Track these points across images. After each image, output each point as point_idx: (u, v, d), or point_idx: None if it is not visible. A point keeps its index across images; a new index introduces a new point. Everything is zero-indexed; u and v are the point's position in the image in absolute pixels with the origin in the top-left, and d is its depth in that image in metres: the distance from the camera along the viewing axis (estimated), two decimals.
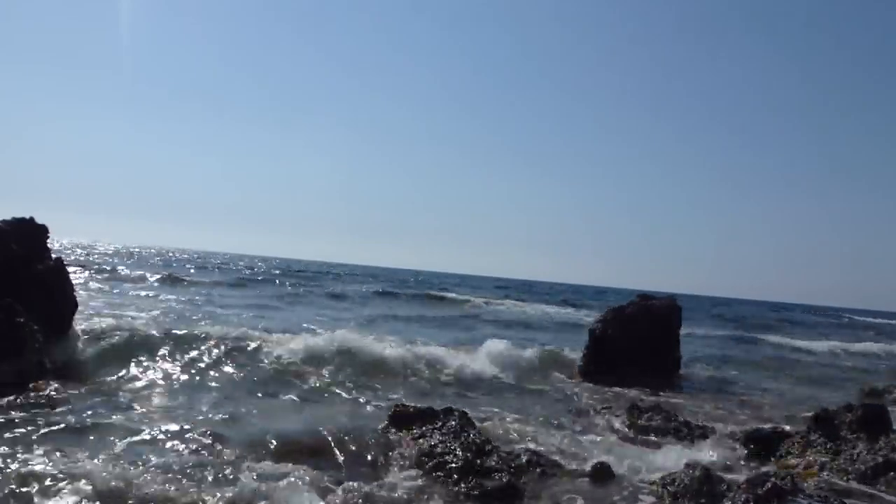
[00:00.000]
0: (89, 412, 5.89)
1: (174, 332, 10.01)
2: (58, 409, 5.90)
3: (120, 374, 7.73)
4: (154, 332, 9.85)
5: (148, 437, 5.24)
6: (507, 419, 7.05)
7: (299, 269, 56.73)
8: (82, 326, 9.52)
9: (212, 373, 8.32)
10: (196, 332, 10.10)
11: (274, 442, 5.32)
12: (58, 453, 4.62)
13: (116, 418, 5.73)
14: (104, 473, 4.24)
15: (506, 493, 4.49)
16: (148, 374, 7.95)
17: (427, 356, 9.98)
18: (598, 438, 6.51)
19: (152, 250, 79.45)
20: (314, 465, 4.84)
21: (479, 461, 4.82)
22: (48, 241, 8.94)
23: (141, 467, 4.47)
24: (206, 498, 4.08)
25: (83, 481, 4.13)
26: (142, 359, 8.66)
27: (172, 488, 4.16)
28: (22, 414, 5.62)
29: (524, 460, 5.15)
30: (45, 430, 5.18)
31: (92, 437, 5.12)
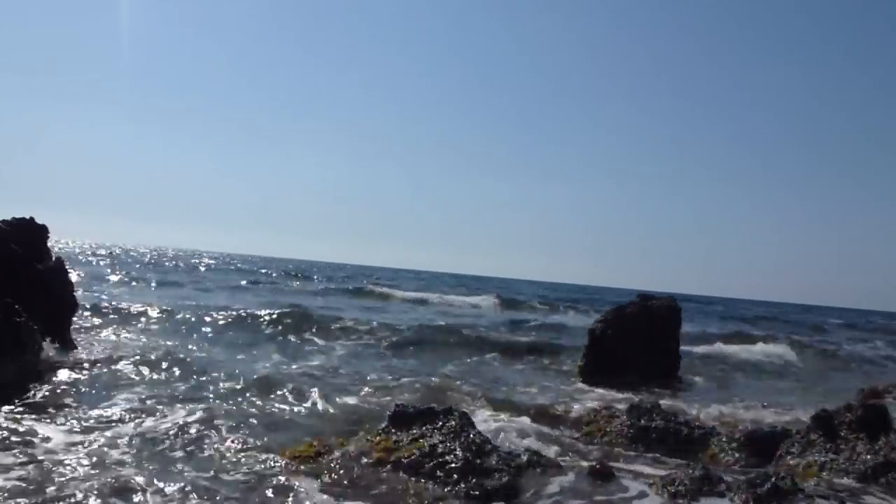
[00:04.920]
0: (88, 412, 5.88)
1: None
2: (55, 411, 5.89)
3: (119, 374, 7.72)
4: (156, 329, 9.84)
5: (149, 436, 5.25)
6: (508, 419, 7.06)
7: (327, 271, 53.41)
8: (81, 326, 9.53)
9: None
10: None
11: (272, 444, 5.32)
12: (58, 453, 4.62)
13: (115, 418, 5.73)
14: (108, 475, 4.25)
15: (506, 493, 4.49)
16: (147, 373, 7.94)
17: None
18: (598, 438, 6.52)
19: (152, 251, 79.39)
20: (315, 466, 4.86)
21: (479, 461, 4.82)
22: (48, 241, 8.95)
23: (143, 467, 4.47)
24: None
25: (85, 484, 4.13)
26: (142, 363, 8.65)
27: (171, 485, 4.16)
28: (21, 415, 5.61)
29: (524, 460, 5.15)
30: (45, 430, 5.18)
31: (92, 438, 5.11)
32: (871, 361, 18.13)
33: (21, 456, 4.51)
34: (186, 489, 4.19)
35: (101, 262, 37.05)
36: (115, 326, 11.65)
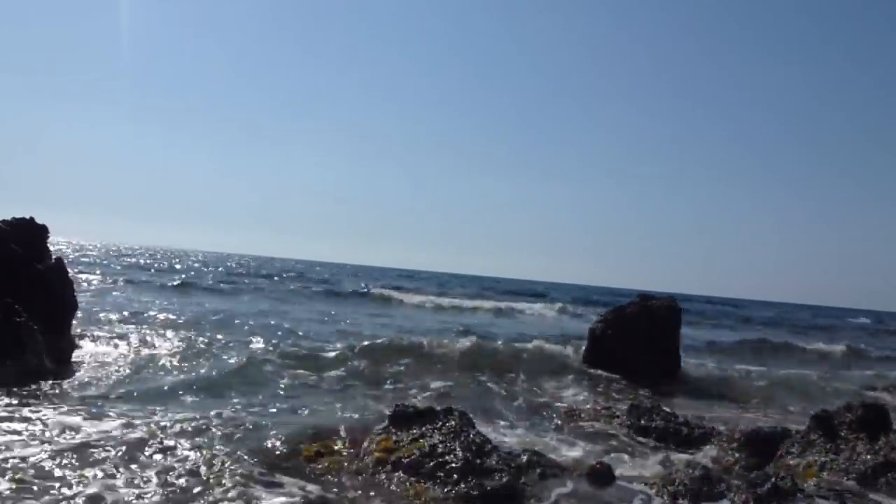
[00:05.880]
0: (88, 413, 5.88)
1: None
2: (56, 411, 5.89)
3: (120, 374, 7.72)
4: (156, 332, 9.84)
5: (147, 436, 5.25)
6: (507, 418, 7.06)
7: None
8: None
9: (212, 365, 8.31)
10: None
11: (274, 444, 5.32)
12: (58, 455, 4.62)
13: (115, 420, 5.73)
14: (106, 479, 4.25)
15: (506, 493, 4.49)
16: (147, 374, 7.94)
17: None
18: (599, 438, 6.52)
19: (156, 251, 79.41)
20: (316, 466, 4.86)
21: (479, 461, 4.82)
22: (48, 241, 8.95)
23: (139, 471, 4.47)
24: None
25: (81, 487, 4.13)
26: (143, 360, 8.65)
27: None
28: (21, 415, 5.61)
29: (524, 460, 5.15)
30: (44, 432, 5.18)
31: (92, 439, 5.11)
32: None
33: (21, 457, 4.51)
34: (186, 490, 4.19)
35: (93, 261, 37.08)
36: (115, 327, 11.65)
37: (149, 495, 4.05)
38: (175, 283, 24.75)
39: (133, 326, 11.75)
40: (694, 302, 52.00)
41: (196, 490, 4.19)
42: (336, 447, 5.33)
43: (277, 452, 5.09)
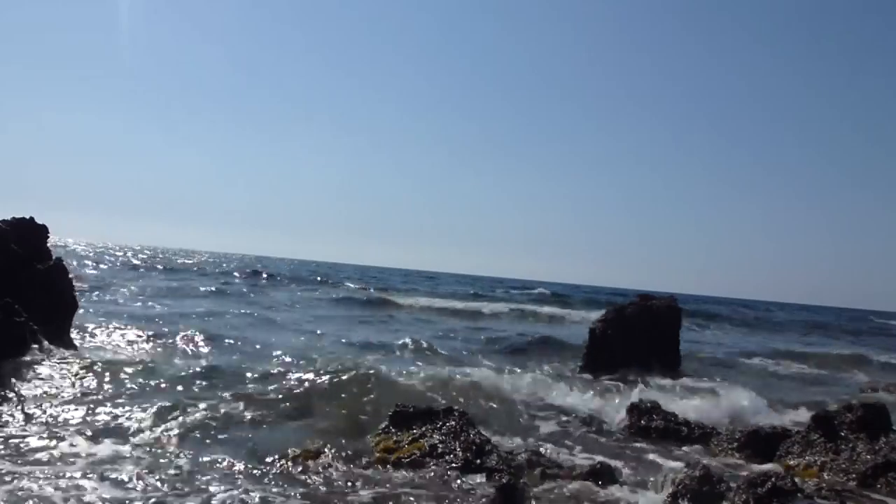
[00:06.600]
0: (87, 413, 5.88)
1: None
2: (56, 410, 5.89)
3: (119, 375, 7.72)
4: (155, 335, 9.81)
5: (146, 436, 5.25)
6: (507, 415, 7.05)
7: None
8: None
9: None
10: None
11: (277, 446, 5.32)
12: (55, 457, 4.62)
13: (114, 419, 5.73)
14: (101, 481, 4.25)
15: (506, 493, 4.49)
16: (145, 375, 7.93)
17: None
18: (599, 439, 6.52)
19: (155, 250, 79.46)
20: (317, 465, 4.86)
21: (479, 461, 4.82)
22: (48, 241, 8.94)
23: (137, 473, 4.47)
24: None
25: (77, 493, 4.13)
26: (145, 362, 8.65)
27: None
28: (20, 414, 5.61)
29: (524, 460, 5.15)
30: (43, 431, 5.18)
31: (87, 441, 5.11)
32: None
33: (19, 457, 4.51)
34: (188, 491, 4.19)
35: (94, 261, 37.09)
36: (113, 328, 11.65)
37: (142, 496, 4.05)
38: (177, 285, 24.75)
39: (132, 328, 11.76)
40: (693, 301, 51.93)
41: (195, 492, 4.19)
42: (337, 448, 5.32)
43: (280, 454, 5.09)
